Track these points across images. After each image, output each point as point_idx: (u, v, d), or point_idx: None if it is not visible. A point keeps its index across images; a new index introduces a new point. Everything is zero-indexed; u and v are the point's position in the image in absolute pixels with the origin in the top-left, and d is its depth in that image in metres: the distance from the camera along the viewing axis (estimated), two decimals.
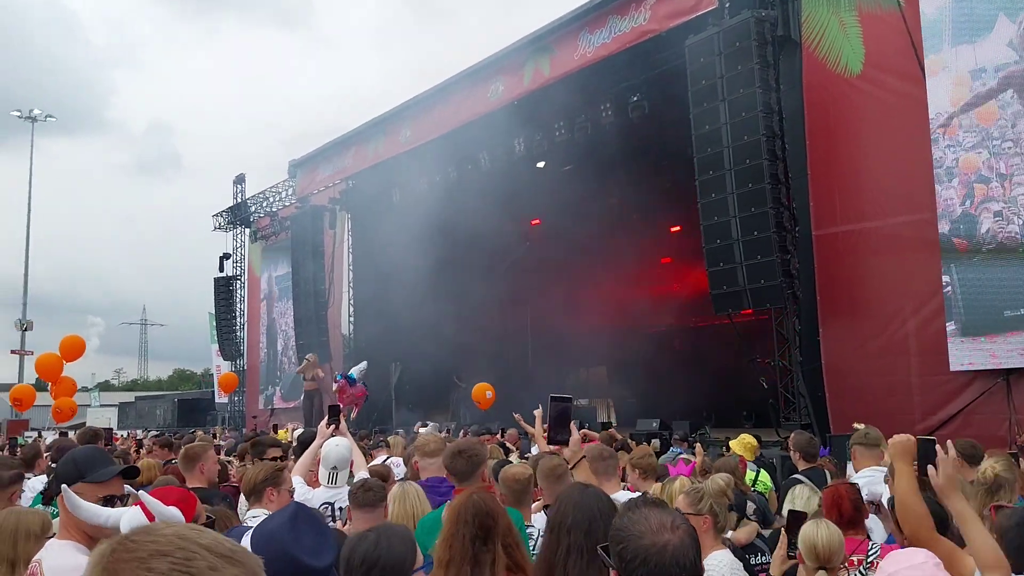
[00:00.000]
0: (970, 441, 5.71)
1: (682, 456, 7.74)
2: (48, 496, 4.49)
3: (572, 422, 3.28)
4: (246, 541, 1.92)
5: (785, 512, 4.79)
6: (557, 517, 2.42)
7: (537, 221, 21.24)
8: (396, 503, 4.10)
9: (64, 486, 2.26)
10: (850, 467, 6.00)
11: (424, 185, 18.54)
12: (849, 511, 3.87)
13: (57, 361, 16.15)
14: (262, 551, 1.79)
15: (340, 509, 4.75)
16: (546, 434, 3.39)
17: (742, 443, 8.18)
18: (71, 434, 10.86)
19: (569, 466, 3.32)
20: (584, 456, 3.21)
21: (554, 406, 3.33)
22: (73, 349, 16.45)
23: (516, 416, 7.46)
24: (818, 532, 3.46)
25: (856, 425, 6.19)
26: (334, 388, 16.57)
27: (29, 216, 31.28)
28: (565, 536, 2.34)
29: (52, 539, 2.93)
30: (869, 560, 3.71)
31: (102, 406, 40.55)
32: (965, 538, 2.92)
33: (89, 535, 2.65)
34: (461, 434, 11.06)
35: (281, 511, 2.07)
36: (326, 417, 5.38)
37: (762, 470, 7.51)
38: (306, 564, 1.88)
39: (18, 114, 31.79)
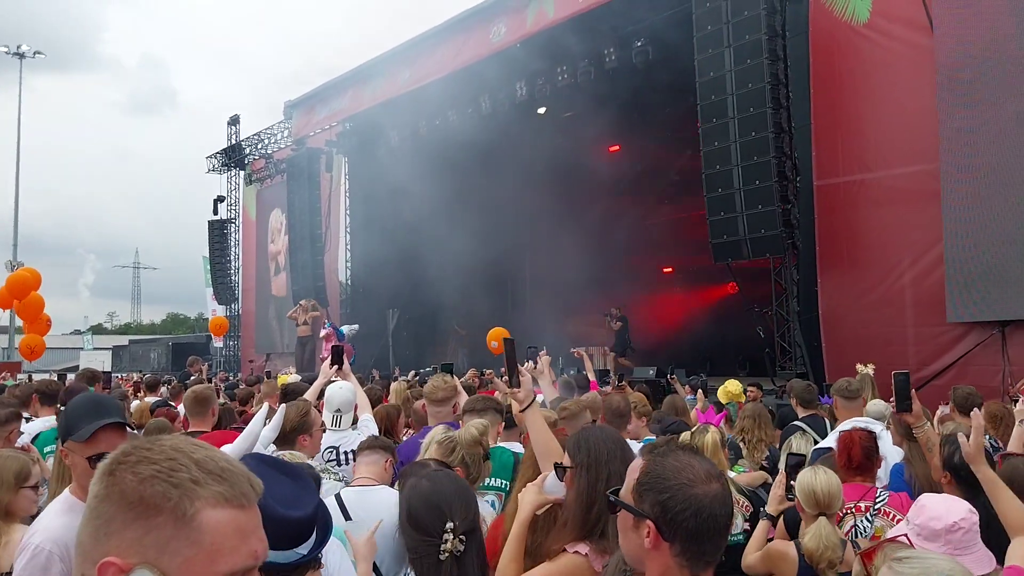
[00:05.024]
0: (969, 388, 5.77)
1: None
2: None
3: (521, 365, 3.23)
4: None
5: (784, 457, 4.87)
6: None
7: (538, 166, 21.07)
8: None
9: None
10: None
11: (423, 128, 18.33)
12: (859, 457, 3.82)
13: (39, 298, 15.84)
14: None
15: (346, 453, 4.60)
16: (505, 379, 3.35)
17: (725, 391, 8.24)
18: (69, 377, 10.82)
19: (520, 409, 3.23)
20: (534, 400, 3.14)
21: (509, 349, 3.32)
22: (33, 282, 16.02)
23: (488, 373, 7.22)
24: (816, 478, 3.40)
25: (859, 367, 6.22)
26: (322, 334, 16.47)
27: (18, 155, 30.78)
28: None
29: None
30: (877, 507, 3.68)
31: (95, 349, 40.49)
32: (995, 505, 2.95)
33: None
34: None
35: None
36: (328, 358, 5.34)
37: None
38: (282, 515, 1.75)
39: (5, 50, 31.01)
